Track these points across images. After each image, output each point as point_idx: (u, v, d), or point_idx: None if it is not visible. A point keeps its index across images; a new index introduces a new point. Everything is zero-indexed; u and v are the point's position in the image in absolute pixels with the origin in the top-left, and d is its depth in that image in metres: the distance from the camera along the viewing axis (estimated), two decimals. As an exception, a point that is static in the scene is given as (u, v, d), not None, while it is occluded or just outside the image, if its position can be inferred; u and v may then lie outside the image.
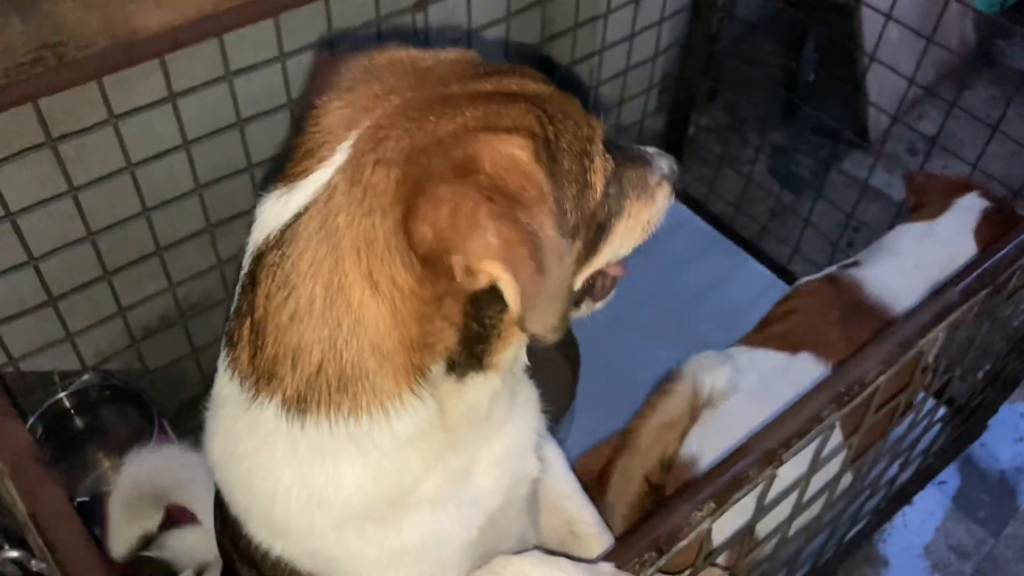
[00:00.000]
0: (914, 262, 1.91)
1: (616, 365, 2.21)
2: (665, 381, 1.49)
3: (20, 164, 1.49)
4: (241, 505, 0.96)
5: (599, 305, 1.09)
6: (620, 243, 1.02)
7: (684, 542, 0.92)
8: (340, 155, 0.82)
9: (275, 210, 0.84)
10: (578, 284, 0.98)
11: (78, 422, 1.73)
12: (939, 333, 1.12)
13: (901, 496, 2.32)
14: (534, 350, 1.01)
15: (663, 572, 0.92)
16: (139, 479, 1.49)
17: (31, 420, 1.67)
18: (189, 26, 1.48)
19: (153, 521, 1.52)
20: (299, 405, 0.85)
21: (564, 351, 2.16)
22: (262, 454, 0.89)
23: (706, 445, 1.54)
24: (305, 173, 0.83)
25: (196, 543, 1.52)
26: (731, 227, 2.69)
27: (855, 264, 1.99)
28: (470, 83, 0.87)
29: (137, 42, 1.45)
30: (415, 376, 0.84)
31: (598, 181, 0.92)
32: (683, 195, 2.81)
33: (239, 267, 0.90)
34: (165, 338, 1.87)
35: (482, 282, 0.79)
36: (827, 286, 1.93)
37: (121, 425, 1.77)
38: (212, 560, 1.47)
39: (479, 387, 0.90)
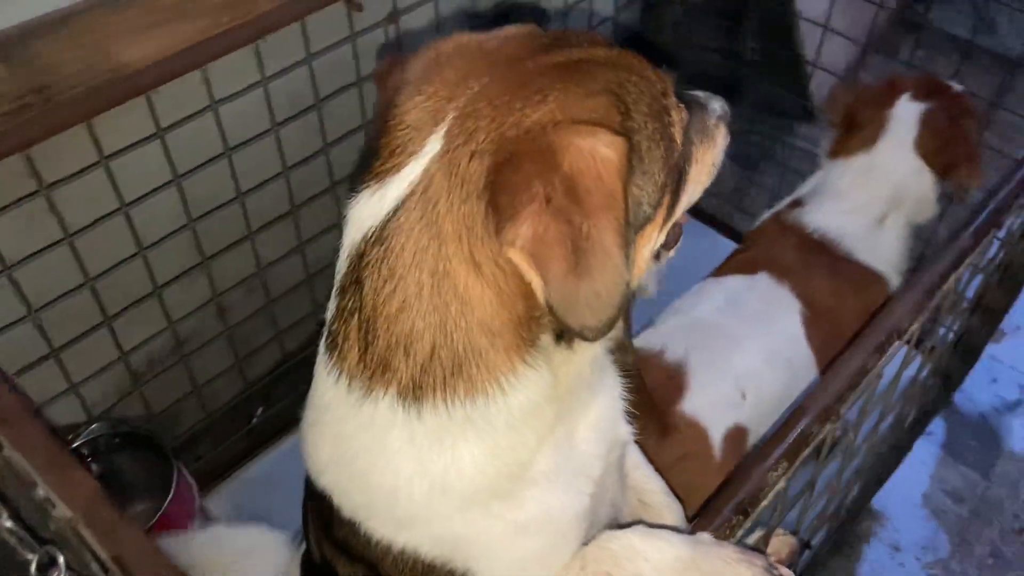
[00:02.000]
0: (857, 203, 1.95)
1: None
2: None
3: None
4: (359, 503, 0.97)
5: (671, 253, 1.11)
6: (693, 190, 1.03)
7: (765, 502, 0.95)
8: (432, 147, 0.83)
9: (369, 208, 0.86)
10: (661, 240, 0.99)
11: (95, 470, 1.69)
12: (963, 275, 1.17)
13: (898, 452, 2.39)
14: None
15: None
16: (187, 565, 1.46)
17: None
18: (173, 58, 1.46)
19: None
20: (415, 393, 0.86)
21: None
22: (379, 448, 0.90)
23: (691, 353, 1.71)
24: (396, 168, 0.85)
25: None
26: (696, 208, 2.73)
27: (799, 204, 2.02)
28: (541, 57, 0.88)
29: (123, 78, 1.43)
30: (527, 348, 0.85)
31: (677, 134, 0.94)
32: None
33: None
34: (165, 377, 1.84)
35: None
36: (776, 225, 2.01)
37: (137, 470, 1.73)
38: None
39: (584, 352, 0.92)
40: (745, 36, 3.30)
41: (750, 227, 2.67)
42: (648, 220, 0.90)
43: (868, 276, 1.91)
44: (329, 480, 0.99)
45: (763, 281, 1.87)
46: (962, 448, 2.53)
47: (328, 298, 0.94)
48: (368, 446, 0.91)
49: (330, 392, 0.93)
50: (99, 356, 1.69)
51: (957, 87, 2.05)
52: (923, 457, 2.50)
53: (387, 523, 0.96)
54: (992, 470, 2.50)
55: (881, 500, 2.39)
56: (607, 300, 0.80)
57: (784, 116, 3.18)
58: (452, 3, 1.92)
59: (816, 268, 1.89)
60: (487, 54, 0.89)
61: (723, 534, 0.92)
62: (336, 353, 0.91)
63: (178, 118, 1.56)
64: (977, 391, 2.65)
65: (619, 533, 0.98)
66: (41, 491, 0.94)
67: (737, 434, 1.64)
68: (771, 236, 2.00)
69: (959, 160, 1.90)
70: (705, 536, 0.93)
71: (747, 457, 1.02)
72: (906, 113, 1.96)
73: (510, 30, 0.93)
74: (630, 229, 0.84)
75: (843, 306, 1.84)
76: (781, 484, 0.97)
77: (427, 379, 0.85)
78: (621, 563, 0.95)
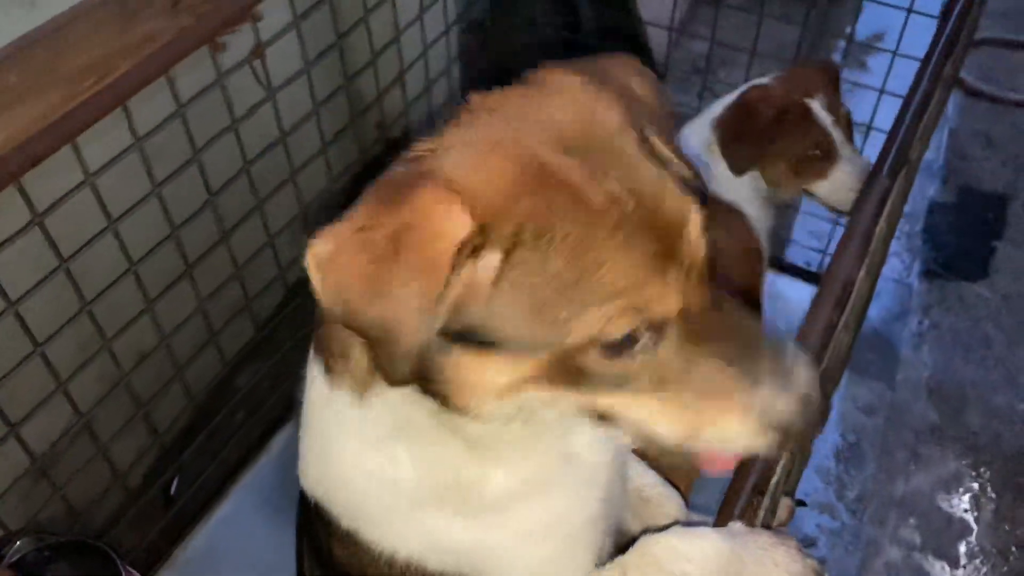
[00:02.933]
0: None
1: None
2: None
3: None
4: (343, 503, 1.04)
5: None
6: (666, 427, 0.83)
7: (775, 478, 0.97)
8: None
9: None
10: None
11: (35, 594, 1.55)
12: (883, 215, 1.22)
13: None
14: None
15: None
16: None
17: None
18: (38, 137, 1.34)
19: None
20: (360, 388, 0.95)
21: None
22: (343, 440, 0.99)
23: None
24: None
25: None
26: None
27: None
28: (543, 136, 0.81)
29: (-11, 169, 1.29)
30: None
31: (602, 322, 0.77)
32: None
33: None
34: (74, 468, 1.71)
35: None
36: None
37: (80, 580, 1.60)
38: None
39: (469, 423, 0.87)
40: (581, 5, 3.34)
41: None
42: (507, 348, 0.79)
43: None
44: (317, 485, 1.07)
45: None
46: (864, 363, 2.68)
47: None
48: (337, 438, 0.99)
49: (313, 393, 1.02)
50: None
51: None
52: (832, 380, 2.63)
53: (389, 532, 1.01)
54: (894, 378, 2.66)
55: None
56: (390, 354, 0.78)
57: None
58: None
59: None
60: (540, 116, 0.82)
61: (749, 518, 0.94)
62: (318, 353, 1.01)
63: (56, 197, 1.43)
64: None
65: (658, 536, 0.99)
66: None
67: None
68: None
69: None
70: (737, 526, 0.94)
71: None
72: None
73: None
74: (440, 304, 0.76)
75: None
76: (784, 460, 0.99)
77: (359, 375, 0.93)
78: (664, 566, 0.95)
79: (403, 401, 0.89)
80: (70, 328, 1.56)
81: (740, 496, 0.94)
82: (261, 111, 1.75)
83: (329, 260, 0.78)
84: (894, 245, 2.98)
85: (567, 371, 0.78)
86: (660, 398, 0.80)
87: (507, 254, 0.76)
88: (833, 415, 2.55)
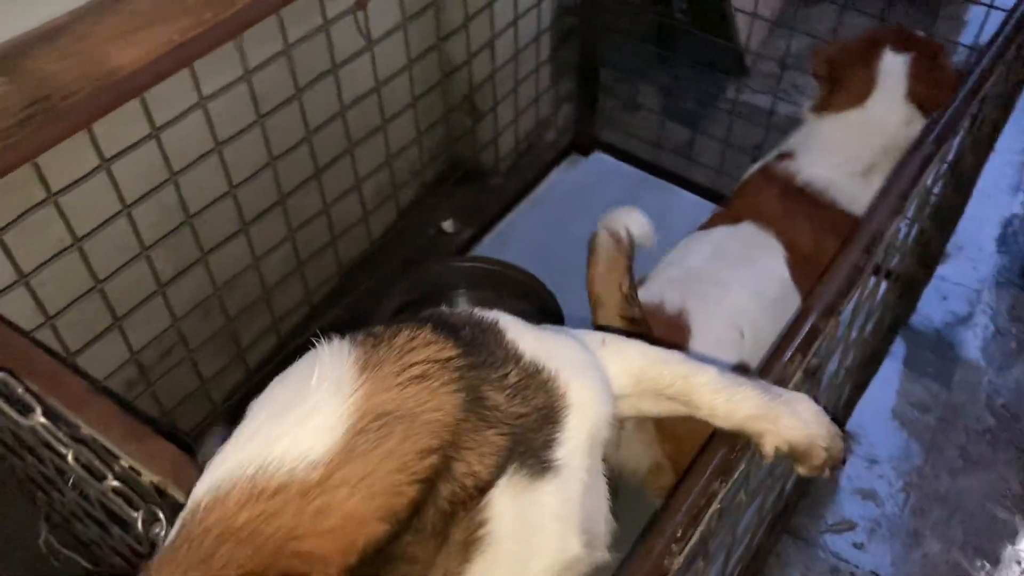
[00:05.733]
0: (848, 155, 2.05)
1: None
2: (588, 243, 1.63)
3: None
4: None
5: None
6: None
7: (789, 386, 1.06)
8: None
9: None
10: None
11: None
12: (925, 183, 1.30)
13: (866, 374, 2.54)
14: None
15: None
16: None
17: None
18: (162, 58, 1.51)
19: None
20: None
21: (544, 310, 2.26)
22: None
23: (688, 301, 1.79)
24: None
25: None
26: (655, 165, 2.86)
27: (787, 157, 2.12)
28: None
29: (118, 82, 1.48)
30: None
31: None
32: (605, 146, 2.96)
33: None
34: (172, 373, 1.90)
35: None
36: (762, 177, 2.11)
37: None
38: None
39: None
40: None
41: (704, 177, 2.82)
42: None
43: (848, 222, 2.02)
44: None
45: (746, 228, 1.97)
46: (922, 363, 2.70)
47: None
48: None
49: None
50: (111, 357, 1.73)
51: (920, 34, 2.19)
52: (887, 375, 2.67)
53: None
54: (952, 379, 2.67)
55: (854, 421, 2.55)
56: None
57: (718, 71, 3.32)
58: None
59: (799, 216, 1.98)
60: None
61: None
62: None
63: (170, 117, 1.61)
64: (930, 310, 2.83)
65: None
66: (124, 462, 1.01)
67: (742, 371, 1.74)
68: (756, 187, 2.10)
69: (945, 96, 2.04)
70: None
71: (765, 359, 1.12)
72: (893, 66, 2.07)
73: None
74: None
75: (825, 250, 1.93)
76: (799, 376, 1.08)
77: None
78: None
79: None
80: (173, 238, 1.74)
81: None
82: (359, 62, 1.91)
83: None
84: (966, 251, 3.00)
85: None
86: None
87: None
88: (884, 409, 2.59)
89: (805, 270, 1.92)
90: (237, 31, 1.61)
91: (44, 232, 1.53)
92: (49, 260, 1.53)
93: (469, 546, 0.80)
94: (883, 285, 1.45)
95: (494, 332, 0.93)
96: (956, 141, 1.42)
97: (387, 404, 0.78)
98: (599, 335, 1.07)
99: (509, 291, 2.15)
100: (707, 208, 2.65)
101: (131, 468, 1.01)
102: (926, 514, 2.39)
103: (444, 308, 0.96)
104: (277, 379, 0.84)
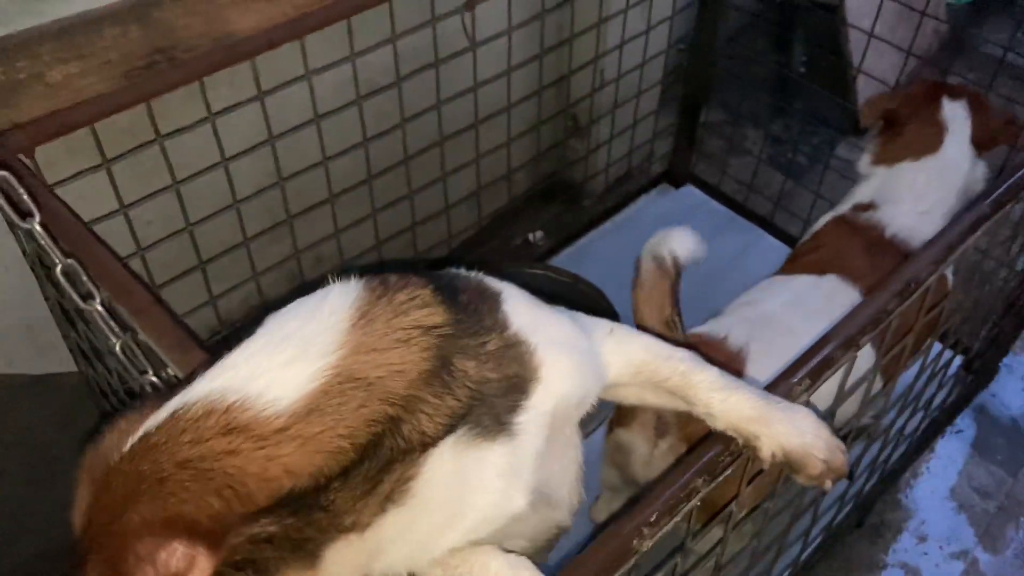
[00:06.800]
0: (932, 202, 2.04)
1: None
2: (634, 266, 1.70)
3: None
4: None
5: None
6: None
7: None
8: None
9: None
10: None
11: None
12: (975, 240, 1.30)
13: (922, 444, 2.49)
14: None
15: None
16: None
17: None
18: (278, 28, 1.65)
19: None
20: None
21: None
22: None
23: (752, 342, 1.76)
24: None
25: None
26: (744, 207, 2.88)
27: (868, 207, 2.10)
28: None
29: (235, 43, 1.62)
30: None
31: None
32: (697, 181, 2.99)
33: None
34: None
35: None
36: (844, 227, 2.08)
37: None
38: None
39: None
40: (795, 48, 3.44)
41: (792, 225, 2.82)
42: None
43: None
44: None
45: (831, 281, 1.94)
46: (992, 448, 2.62)
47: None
48: None
49: None
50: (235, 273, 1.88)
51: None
52: (953, 455, 2.59)
53: None
54: (1020, 470, 2.58)
55: (911, 496, 2.49)
56: None
57: (830, 128, 3.30)
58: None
59: (887, 270, 1.96)
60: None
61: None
62: None
63: (277, 83, 1.74)
64: (1010, 396, 2.74)
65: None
66: (171, 370, 1.11)
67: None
68: (839, 238, 2.08)
69: (1000, 135, 2.11)
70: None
71: (774, 376, 1.15)
72: (955, 112, 2.11)
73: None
74: None
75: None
76: (804, 397, 1.10)
77: None
78: None
79: None
80: (265, 197, 1.88)
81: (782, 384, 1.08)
82: (460, 60, 2.02)
83: None
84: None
85: None
86: None
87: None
88: (944, 488, 2.52)
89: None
90: (348, 13, 1.73)
91: (151, 173, 1.68)
92: (147, 196, 1.68)
93: (389, 498, 0.86)
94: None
95: (493, 301, 1.00)
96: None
97: (360, 369, 0.85)
98: (608, 324, 1.13)
99: (572, 303, 2.21)
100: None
101: (175, 377, 1.12)
102: (968, 598, 2.32)
103: (460, 271, 1.04)
104: (294, 304, 0.93)
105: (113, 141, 1.58)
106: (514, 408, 0.96)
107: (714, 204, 2.89)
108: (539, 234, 2.94)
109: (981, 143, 2.09)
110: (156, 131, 1.62)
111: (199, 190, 1.75)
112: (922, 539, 2.44)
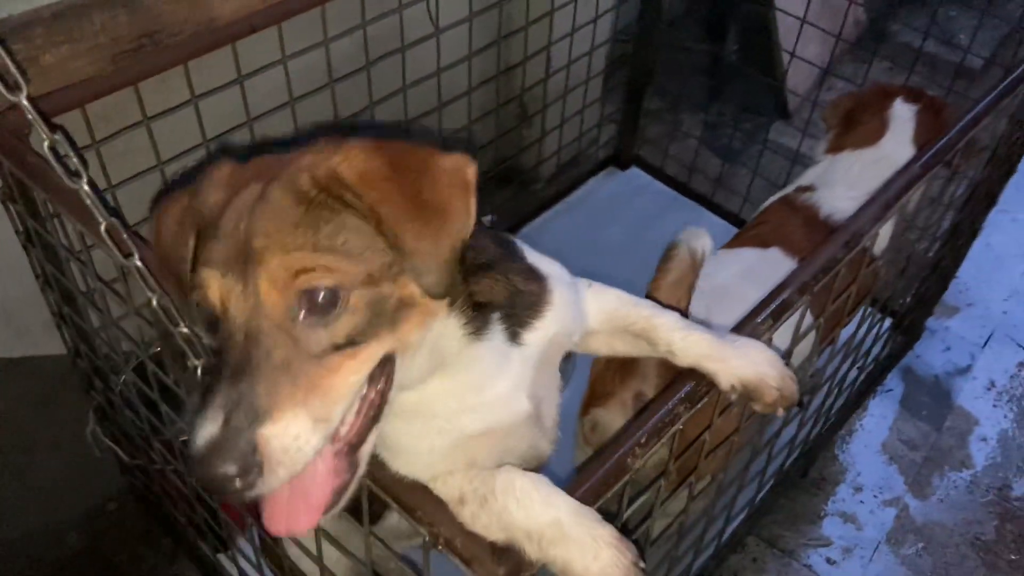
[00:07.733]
0: (865, 190, 2.16)
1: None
2: (666, 251, 1.76)
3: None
4: None
5: None
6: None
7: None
8: None
9: None
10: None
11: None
12: (909, 199, 1.46)
13: (859, 399, 2.68)
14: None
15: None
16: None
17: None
18: (258, 13, 1.73)
19: None
20: None
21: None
22: None
23: (712, 314, 1.87)
24: None
25: None
26: (687, 187, 3.05)
27: (808, 190, 2.30)
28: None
29: (217, 28, 1.69)
30: None
31: None
32: (642, 163, 3.14)
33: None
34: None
35: None
36: (786, 206, 2.28)
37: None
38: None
39: None
40: (727, 38, 3.63)
41: (731, 203, 2.99)
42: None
43: (864, 256, 2.19)
44: None
45: (775, 253, 2.12)
46: (918, 405, 2.84)
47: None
48: None
49: None
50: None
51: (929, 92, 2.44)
52: (884, 412, 2.80)
53: None
54: (943, 424, 2.80)
55: (847, 450, 2.69)
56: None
57: (761, 114, 3.50)
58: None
59: None
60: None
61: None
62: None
63: (252, 69, 1.82)
64: (932, 357, 2.97)
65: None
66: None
67: None
68: (781, 216, 2.27)
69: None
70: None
71: (740, 319, 1.29)
72: (903, 112, 2.34)
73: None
74: None
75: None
76: (768, 335, 1.25)
77: None
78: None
79: None
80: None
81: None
82: (424, 46, 2.12)
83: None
84: (975, 308, 3.13)
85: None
86: None
87: None
88: (875, 443, 2.73)
89: (822, 297, 2.05)
90: (322, 0, 1.83)
91: (132, 154, 1.74)
92: (134, 176, 1.74)
93: (465, 333, 1.08)
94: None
95: (512, 243, 1.24)
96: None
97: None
98: (586, 280, 1.29)
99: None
100: (731, 232, 2.82)
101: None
102: (900, 543, 2.52)
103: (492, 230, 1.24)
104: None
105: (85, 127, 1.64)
106: (528, 325, 1.16)
107: (658, 185, 3.05)
108: (492, 217, 3.05)
109: (924, 143, 2.22)
110: (143, 113, 1.69)
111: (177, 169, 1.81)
112: (858, 489, 2.63)
